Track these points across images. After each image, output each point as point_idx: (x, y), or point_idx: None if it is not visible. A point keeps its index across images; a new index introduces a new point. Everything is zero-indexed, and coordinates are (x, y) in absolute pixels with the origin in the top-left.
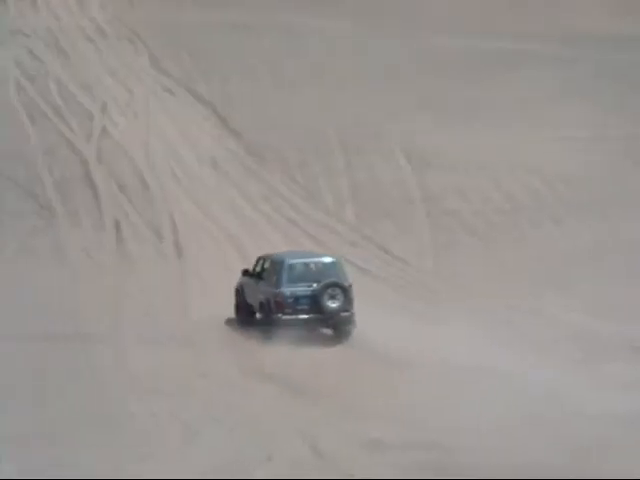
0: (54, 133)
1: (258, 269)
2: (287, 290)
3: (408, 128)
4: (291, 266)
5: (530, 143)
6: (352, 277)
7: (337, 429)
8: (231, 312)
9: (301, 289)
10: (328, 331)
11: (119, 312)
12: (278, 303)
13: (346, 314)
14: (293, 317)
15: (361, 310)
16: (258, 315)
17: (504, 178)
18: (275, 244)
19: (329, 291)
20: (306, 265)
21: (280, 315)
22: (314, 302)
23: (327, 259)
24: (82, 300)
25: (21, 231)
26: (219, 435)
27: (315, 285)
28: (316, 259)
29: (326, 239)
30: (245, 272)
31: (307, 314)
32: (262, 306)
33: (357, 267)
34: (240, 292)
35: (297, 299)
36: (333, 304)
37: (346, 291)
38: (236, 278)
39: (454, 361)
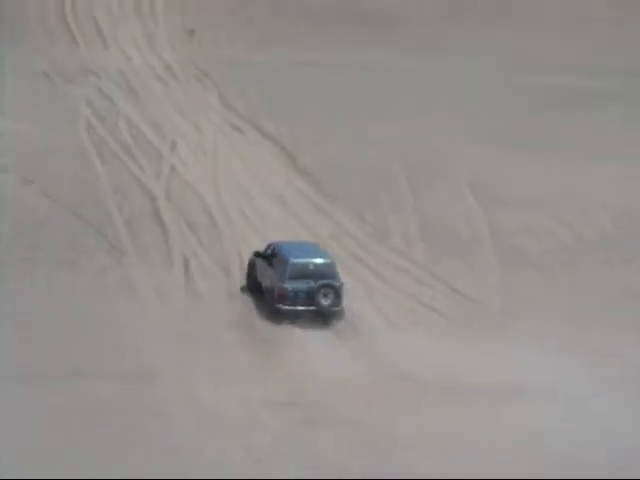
0: (124, 172)
1: (269, 252)
2: (289, 286)
3: (476, 164)
4: (294, 265)
5: (599, 180)
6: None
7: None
8: None
9: (300, 285)
10: None
11: (187, 349)
12: (280, 296)
13: (336, 309)
14: (292, 308)
15: (431, 347)
16: (264, 290)
17: (572, 215)
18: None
19: (323, 290)
20: (306, 265)
21: (281, 305)
22: (310, 297)
23: (325, 261)
24: (151, 337)
25: (92, 269)
26: (288, 469)
27: (312, 283)
28: (315, 260)
29: (394, 277)
30: (257, 254)
31: (303, 306)
32: (267, 290)
33: (424, 305)
34: (252, 267)
35: (296, 293)
36: (325, 301)
37: (337, 290)
38: None
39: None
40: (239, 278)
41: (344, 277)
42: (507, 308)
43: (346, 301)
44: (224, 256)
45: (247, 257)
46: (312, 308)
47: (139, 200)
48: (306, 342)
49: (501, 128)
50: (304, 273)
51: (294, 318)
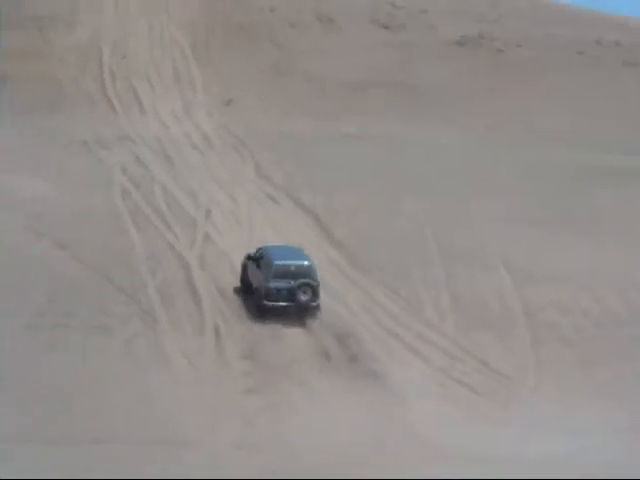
0: (158, 238)
1: (258, 255)
2: (272, 285)
3: (508, 240)
4: (277, 267)
5: (629, 256)
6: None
7: None
8: None
9: (283, 284)
10: None
11: (217, 416)
12: (266, 294)
13: (313, 304)
14: (275, 304)
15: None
16: (254, 290)
17: (603, 291)
18: (373, 353)
19: (302, 288)
20: (288, 267)
21: (266, 302)
22: (291, 294)
23: (304, 263)
24: (181, 404)
25: (124, 335)
26: None
27: (293, 282)
28: (296, 262)
29: (425, 350)
30: (248, 256)
31: (285, 302)
32: (256, 290)
33: (455, 379)
34: (244, 270)
35: (279, 291)
36: (304, 297)
37: (314, 288)
38: None
39: None
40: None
41: (374, 347)
42: (538, 383)
43: (377, 368)
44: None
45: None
46: (293, 304)
47: (172, 267)
48: (335, 408)
49: (532, 204)
50: (286, 273)
51: (278, 314)
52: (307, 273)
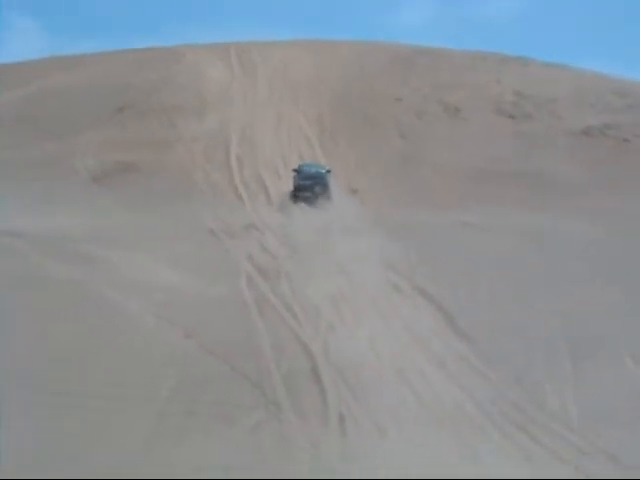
0: (283, 327)
1: (298, 169)
2: (301, 182)
3: (636, 332)
4: (303, 172)
5: None
6: None
7: None
8: None
9: (307, 182)
10: None
11: None
12: (297, 187)
13: (324, 194)
14: (302, 193)
15: None
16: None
17: None
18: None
19: (317, 184)
20: (310, 172)
21: (298, 192)
22: (311, 187)
23: (320, 170)
24: None
25: (247, 424)
26: None
27: (312, 181)
28: (315, 170)
29: (552, 444)
30: (294, 170)
31: (308, 192)
32: (294, 186)
33: (585, 474)
34: (294, 179)
35: (305, 186)
36: (318, 189)
37: (325, 185)
38: None
39: None
40: (394, 436)
41: (499, 437)
42: None
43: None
44: (380, 414)
45: (404, 415)
46: (311, 194)
47: (297, 356)
48: None
49: None
50: (309, 176)
51: (304, 200)
52: (322, 176)
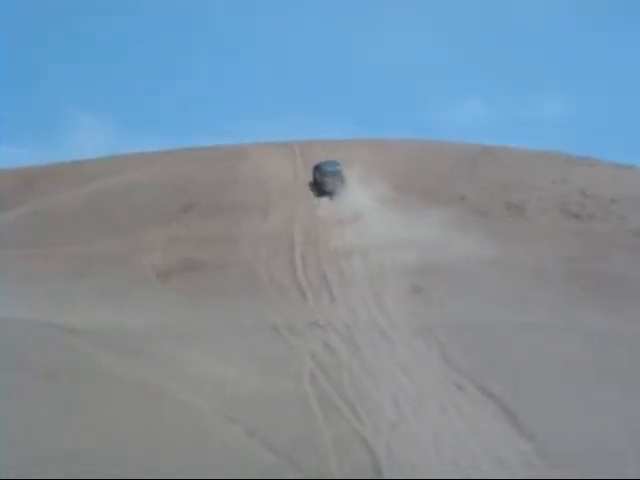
0: (345, 425)
1: (318, 165)
2: (322, 178)
3: None
4: (322, 169)
5: None
6: None
7: None
8: None
9: (327, 178)
10: None
11: None
12: (319, 182)
13: (340, 188)
14: (324, 187)
15: None
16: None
17: None
18: None
19: (334, 179)
20: (327, 168)
21: (320, 187)
22: (332, 182)
23: (336, 168)
24: None
25: None
26: None
27: (330, 177)
28: (332, 168)
29: None
30: (315, 167)
31: (329, 186)
32: (317, 182)
33: None
34: (313, 174)
35: (326, 181)
36: (335, 182)
37: (342, 179)
38: None
39: None
40: None
41: None
42: None
43: None
44: None
45: None
46: (329, 187)
47: (358, 454)
48: None
49: None
50: (327, 173)
51: (325, 192)
52: (338, 172)
